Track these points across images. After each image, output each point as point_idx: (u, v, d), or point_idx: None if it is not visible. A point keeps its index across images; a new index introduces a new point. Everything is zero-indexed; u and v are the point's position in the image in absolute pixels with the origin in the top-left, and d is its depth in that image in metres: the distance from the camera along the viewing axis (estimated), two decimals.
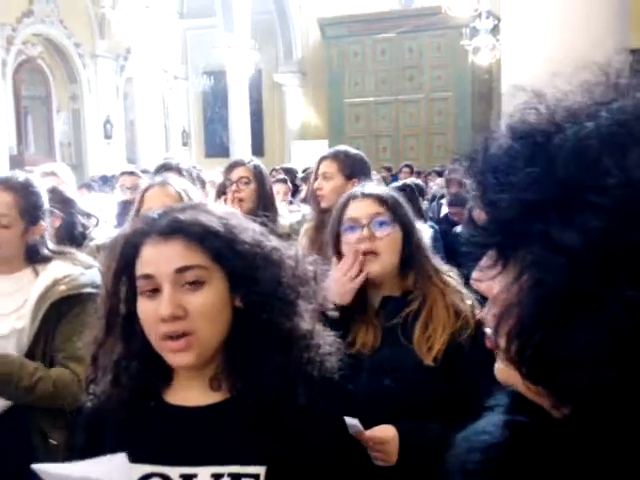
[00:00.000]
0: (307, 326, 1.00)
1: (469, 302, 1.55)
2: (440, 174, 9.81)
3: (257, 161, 2.90)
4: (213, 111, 18.10)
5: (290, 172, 7.47)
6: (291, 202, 4.34)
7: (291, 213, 3.16)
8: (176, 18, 16.66)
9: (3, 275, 1.89)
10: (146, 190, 1.88)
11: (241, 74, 15.37)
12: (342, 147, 2.79)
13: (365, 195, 1.60)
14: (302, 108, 18.51)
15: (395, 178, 10.46)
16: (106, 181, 6.92)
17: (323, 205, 2.51)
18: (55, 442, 1.81)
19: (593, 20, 3.39)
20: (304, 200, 3.98)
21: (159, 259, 0.96)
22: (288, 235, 2.73)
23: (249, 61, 15.31)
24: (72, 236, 2.73)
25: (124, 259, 1.00)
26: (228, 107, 15.76)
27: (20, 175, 1.97)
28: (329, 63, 17.44)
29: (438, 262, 1.64)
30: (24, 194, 1.89)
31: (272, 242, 1.04)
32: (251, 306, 0.97)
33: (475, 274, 0.64)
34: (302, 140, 18.07)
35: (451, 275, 1.62)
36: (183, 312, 0.94)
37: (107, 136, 15.11)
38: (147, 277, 0.96)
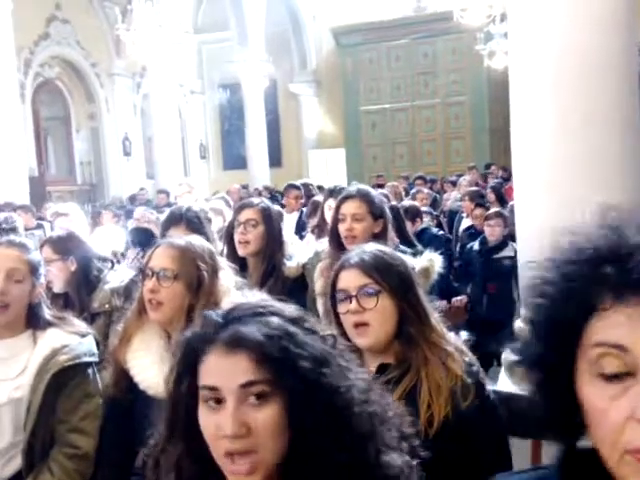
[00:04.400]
0: (371, 460, 0.94)
1: (463, 364, 1.54)
2: (454, 184, 9.73)
3: (267, 203, 2.89)
4: (230, 124, 18.21)
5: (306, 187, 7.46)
6: (302, 236, 4.32)
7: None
8: (191, 33, 16.79)
9: (1, 340, 1.89)
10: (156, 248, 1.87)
11: (256, 86, 15.47)
12: (361, 186, 2.76)
13: (352, 265, 1.58)
14: (318, 117, 18.55)
15: (412, 187, 10.43)
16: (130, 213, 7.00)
17: (351, 247, 2.45)
18: None
19: (602, 18, 3.36)
20: (313, 231, 3.94)
21: (223, 372, 0.92)
22: (301, 277, 2.71)
23: (264, 73, 15.39)
24: (87, 280, 2.76)
25: (186, 363, 0.97)
26: (245, 119, 15.87)
27: (17, 238, 2.03)
28: (344, 71, 17.45)
29: (435, 320, 1.62)
30: (29, 251, 1.93)
31: (341, 361, 0.98)
32: (308, 430, 0.92)
33: None
34: (319, 149, 18.10)
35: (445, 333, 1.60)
36: (246, 430, 0.91)
37: (126, 153, 15.27)
38: (211, 389, 0.93)
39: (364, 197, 2.59)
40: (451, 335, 1.66)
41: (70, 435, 1.87)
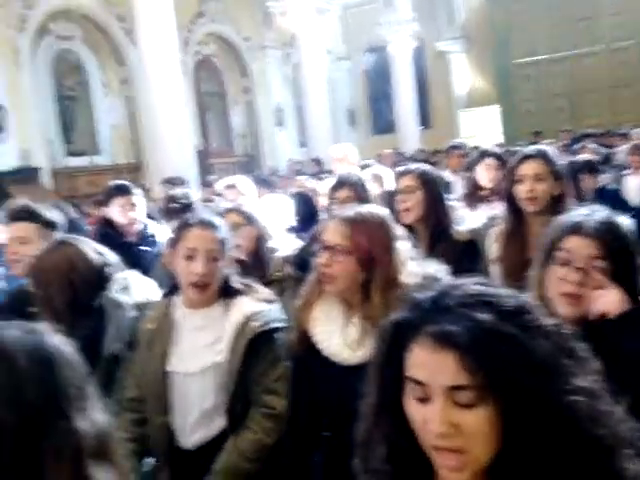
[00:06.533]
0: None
1: None
2: (625, 136, 8.88)
3: (426, 167, 2.84)
4: (377, 88, 18.07)
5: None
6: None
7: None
8: None
9: (195, 309, 2.04)
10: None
11: (403, 48, 15.19)
12: (539, 146, 2.65)
13: (589, 234, 1.47)
14: (468, 75, 17.89)
15: (575, 142, 9.70)
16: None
17: (532, 209, 2.35)
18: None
19: None
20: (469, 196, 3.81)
21: (431, 368, 0.87)
22: (472, 241, 2.65)
23: (410, 34, 15.06)
24: (260, 250, 2.89)
25: (393, 349, 0.92)
26: (392, 82, 15.68)
27: (205, 215, 2.14)
28: (494, 24, 16.63)
29: None
30: (220, 230, 2.05)
31: (567, 362, 0.89)
32: (523, 437, 0.86)
33: None
34: (470, 108, 17.50)
35: None
36: (455, 430, 0.85)
37: (279, 124, 15.72)
38: (418, 383, 0.88)
39: (545, 156, 2.47)
40: None
41: (265, 396, 1.99)
